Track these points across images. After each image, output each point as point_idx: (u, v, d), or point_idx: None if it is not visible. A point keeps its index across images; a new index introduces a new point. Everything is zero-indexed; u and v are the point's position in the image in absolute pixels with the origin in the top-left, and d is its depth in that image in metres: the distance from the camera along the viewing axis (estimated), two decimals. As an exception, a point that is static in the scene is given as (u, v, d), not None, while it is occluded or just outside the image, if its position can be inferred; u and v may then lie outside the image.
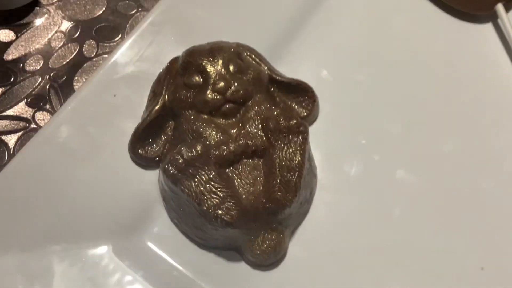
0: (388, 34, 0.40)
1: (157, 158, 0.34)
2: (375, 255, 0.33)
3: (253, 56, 0.35)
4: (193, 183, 0.30)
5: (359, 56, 0.39)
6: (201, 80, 0.33)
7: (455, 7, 0.39)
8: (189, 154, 0.30)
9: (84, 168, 0.34)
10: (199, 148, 0.31)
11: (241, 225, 0.31)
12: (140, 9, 0.43)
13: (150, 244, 0.34)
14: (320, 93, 0.37)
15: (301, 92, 0.35)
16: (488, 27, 0.40)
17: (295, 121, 0.32)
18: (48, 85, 0.40)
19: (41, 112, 0.40)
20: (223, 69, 0.33)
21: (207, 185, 0.30)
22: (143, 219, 0.34)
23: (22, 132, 0.39)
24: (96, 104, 0.35)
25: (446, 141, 0.36)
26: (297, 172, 0.31)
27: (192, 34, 0.37)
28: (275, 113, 0.32)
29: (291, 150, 0.31)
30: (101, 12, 0.43)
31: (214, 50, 0.33)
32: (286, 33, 0.38)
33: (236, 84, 0.32)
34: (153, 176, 0.35)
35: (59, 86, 0.40)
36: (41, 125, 0.39)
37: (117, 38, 0.42)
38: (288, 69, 0.37)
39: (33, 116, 0.40)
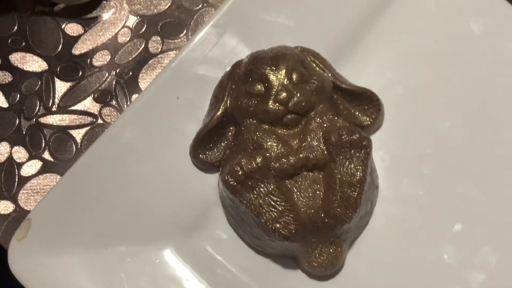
0: (460, 37, 0.37)
1: (218, 163, 0.35)
2: (434, 269, 0.33)
3: (317, 61, 0.34)
4: (252, 196, 0.30)
5: (427, 60, 0.37)
6: (263, 89, 0.32)
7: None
8: (249, 166, 0.30)
9: (147, 169, 0.35)
10: (259, 161, 0.31)
11: (298, 239, 0.31)
12: (205, 4, 0.42)
13: (208, 248, 0.35)
14: (385, 98, 0.35)
15: (366, 100, 0.34)
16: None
17: (358, 135, 0.31)
18: (115, 81, 0.41)
19: (107, 107, 0.41)
20: (286, 79, 0.32)
21: (266, 198, 0.30)
22: (203, 222, 0.35)
23: (89, 127, 0.40)
24: (160, 106, 0.36)
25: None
26: (358, 189, 0.30)
27: (256, 36, 0.36)
28: (338, 125, 0.32)
29: (352, 166, 0.31)
30: (166, 7, 0.43)
31: (277, 58, 0.33)
32: (351, 35, 0.37)
33: (298, 94, 0.32)
34: (213, 180, 0.35)
35: (125, 82, 0.41)
36: (108, 120, 0.40)
37: (181, 35, 0.42)
38: (352, 73, 0.36)
39: (100, 112, 0.41)
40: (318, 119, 0.32)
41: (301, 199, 0.31)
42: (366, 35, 0.38)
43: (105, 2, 0.43)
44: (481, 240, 0.33)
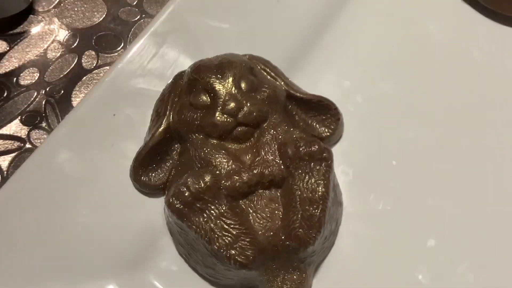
0: (418, 40, 0.35)
1: (162, 186, 0.31)
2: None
3: (267, 69, 0.31)
4: (201, 219, 0.27)
5: (384, 66, 0.35)
6: (209, 100, 0.29)
7: (495, 10, 0.35)
8: (197, 186, 0.27)
9: (82, 195, 0.31)
10: (207, 179, 0.27)
11: (257, 266, 0.27)
12: (143, 15, 0.39)
13: (156, 282, 0.30)
14: (343, 107, 0.33)
15: (323, 109, 0.32)
16: None
17: (317, 146, 0.28)
18: (44, 100, 0.37)
19: (36, 130, 0.36)
20: (233, 88, 0.29)
21: (218, 221, 0.27)
22: (149, 253, 0.31)
23: (16, 152, 0.36)
24: (95, 124, 0.32)
25: (485, 160, 0.32)
26: (320, 206, 0.27)
27: (200, 45, 0.33)
28: (294, 137, 0.28)
29: (313, 180, 0.27)
30: (101, 19, 0.39)
31: (223, 66, 0.29)
32: (303, 42, 0.34)
33: (249, 104, 0.28)
34: (158, 205, 0.31)
35: (56, 101, 0.37)
36: (37, 145, 0.36)
37: (119, 48, 0.38)
38: (307, 82, 0.33)
39: (28, 135, 0.36)
40: (272, 130, 0.29)
41: (258, 220, 0.28)
42: (320, 42, 0.35)
43: (32, 16, 0.39)
44: (457, 256, 0.30)
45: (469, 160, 0.32)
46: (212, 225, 0.27)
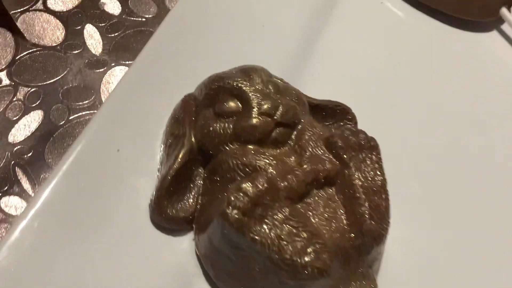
0: (392, 56, 0.37)
1: (191, 217, 0.27)
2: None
3: (279, 79, 0.30)
4: (265, 227, 0.23)
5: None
6: (239, 104, 0.26)
7: (459, 16, 0.37)
8: (255, 189, 0.23)
9: (96, 244, 0.26)
10: (263, 181, 0.24)
11: (333, 272, 0.24)
12: (112, 64, 0.36)
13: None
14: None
15: (340, 115, 0.30)
16: (494, 34, 0.38)
17: (363, 135, 0.26)
18: (12, 163, 0.32)
19: (7, 197, 0.31)
20: (264, 87, 0.27)
21: (285, 226, 0.23)
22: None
23: (-14, 226, 0.30)
24: (98, 162, 0.27)
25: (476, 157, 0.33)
26: (383, 194, 0.25)
27: (190, 74, 0.31)
28: (334, 130, 0.27)
29: (369, 169, 0.25)
30: (65, 72, 0.35)
31: (247, 70, 0.27)
32: (295, 54, 0.34)
33: (284, 103, 0.26)
34: (186, 243, 0.27)
35: (27, 163, 0.32)
36: (11, 213, 0.30)
37: (91, 99, 0.34)
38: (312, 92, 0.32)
39: (-2, 204, 0.30)
40: (310, 129, 0.27)
41: (321, 222, 0.24)
42: (314, 49, 0.35)
43: (-19, 78, 0.35)
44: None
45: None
46: (278, 231, 0.23)
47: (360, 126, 0.31)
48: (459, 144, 0.33)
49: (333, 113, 0.30)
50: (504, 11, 0.37)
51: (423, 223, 0.29)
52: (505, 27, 0.38)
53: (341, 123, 0.30)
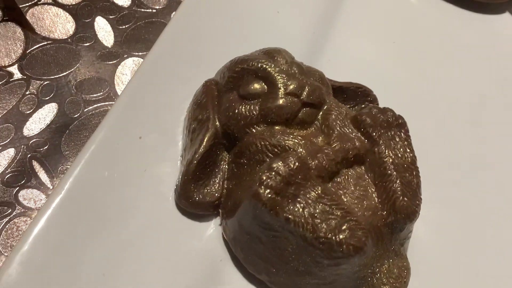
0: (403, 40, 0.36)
1: (217, 202, 0.26)
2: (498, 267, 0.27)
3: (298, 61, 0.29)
4: (299, 206, 0.23)
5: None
6: (264, 86, 0.26)
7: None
8: (287, 168, 0.23)
9: (124, 229, 0.25)
10: (294, 159, 0.23)
11: (369, 250, 0.23)
12: (125, 55, 0.36)
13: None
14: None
15: (362, 96, 0.30)
16: (506, 16, 0.38)
17: (391, 113, 0.26)
18: (29, 156, 0.31)
19: (26, 190, 0.30)
20: (289, 68, 0.26)
21: (318, 205, 0.23)
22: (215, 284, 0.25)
23: (7, 219, 0.29)
24: (119, 151, 0.27)
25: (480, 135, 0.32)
26: (414, 171, 0.25)
27: (207, 60, 0.31)
28: (363, 106, 0.26)
29: (399, 146, 0.25)
30: (77, 65, 0.35)
31: (270, 52, 0.27)
32: (314, 37, 0.34)
33: (309, 83, 0.26)
34: (212, 228, 0.27)
35: (43, 155, 0.31)
36: (30, 206, 0.30)
37: (105, 90, 0.34)
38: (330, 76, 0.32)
39: (16, 197, 0.30)
40: (336, 109, 0.26)
41: (352, 201, 0.24)
42: (330, 34, 0.34)
43: (-8, 73, 0.34)
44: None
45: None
46: (312, 210, 0.23)
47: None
48: (478, 124, 0.33)
49: (355, 95, 0.30)
50: (516, -8, 0.37)
51: (450, 203, 0.29)
52: (518, 8, 0.38)
53: (363, 105, 0.30)
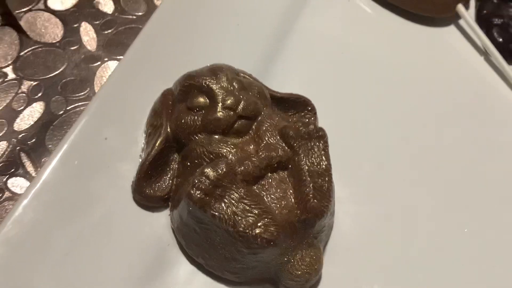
0: (356, 51, 0.40)
1: (166, 196, 0.31)
2: (412, 261, 0.32)
3: (246, 75, 0.34)
4: (223, 205, 0.28)
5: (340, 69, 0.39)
6: (207, 100, 0.31)
7: (416, 12, 0.41)
8: (215, 173, 0.28)
9: (85, 218, 0.31)
10: (223, 166, 0.28)
11: (281, 242, 0.28)
12: (106, 59, 0.40)
13: (174, 293, 0.30)
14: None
15: (300, 106, 0.35)
16: (452, 28, 0.42)
17: (313, 126, 0.30)
18: (18, 148, 0.36)
19: (14, 178, 0.35)
20: (229, 85, 0.31)
21: (239, 204, 0.28)
22: (160, 267, 0.31)
23: (-5, 202, 0.34)
24: (89, 149, 0.32)
25: (442, 139, 0.37)
26: (326, 177, 0.29)
27: (171, 70, 0.35)
28: (290, 120, 0.31)
29: (316, 155, 0.30)
30: (63, 67, 0.40)
31: (215, 69, 0.32)
32: (267, 50, 0.38)
33: (245, 98, 0.31)
34: (162, 218, 0.32)
35: (30, 148, 0.36)
36: (17, 192, 0.35)
37: (86, 91, 0.39)
38: (277, 87, 0.36)
39: (6, 184, 0.35)
40: (268, 121, 0.31)
41: (273, 201, 0.29)
42: (283, 47, 0.39)
43: (-10, 73, 0.39)
44: (456, 218, 0.33)
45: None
46: (234, 208, 0.28)
47: (319, 116, 0.36)
48: (407, 132, 0.37)
49: (295, 104, 0.35)
50: (460, 7, 0.40)
51: (370, 201, 0.34)
52: (462, 22, 0.41)
53: (302, 113, 0.35)
